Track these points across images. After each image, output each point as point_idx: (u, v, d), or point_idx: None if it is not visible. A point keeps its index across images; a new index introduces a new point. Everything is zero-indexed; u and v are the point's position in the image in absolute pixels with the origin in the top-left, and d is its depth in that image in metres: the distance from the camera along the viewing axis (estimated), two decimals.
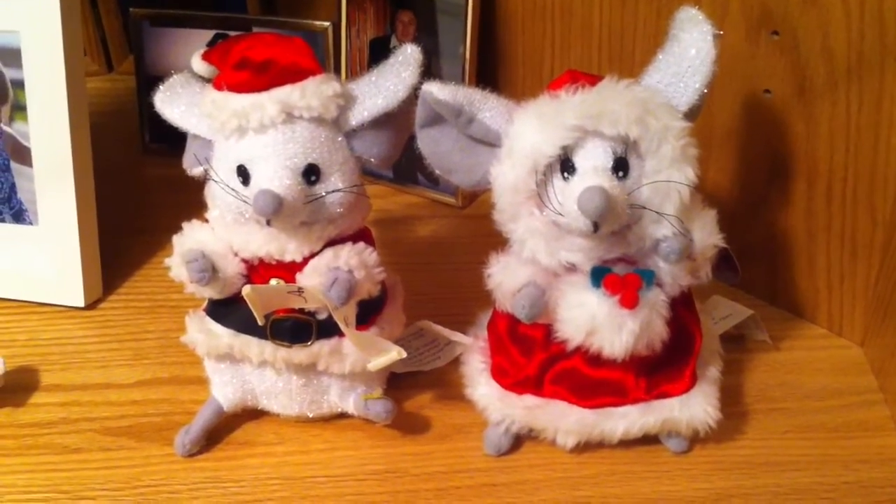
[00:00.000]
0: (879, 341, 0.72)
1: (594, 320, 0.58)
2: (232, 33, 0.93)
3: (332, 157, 0.60)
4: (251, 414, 0.68)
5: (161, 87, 0.64)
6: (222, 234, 0.63)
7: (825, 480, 0.64)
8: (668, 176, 0.57)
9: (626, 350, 0.58)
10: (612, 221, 0.56)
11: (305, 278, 0.61)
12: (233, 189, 0.60)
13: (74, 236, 0.77)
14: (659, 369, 0.63)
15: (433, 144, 0.62)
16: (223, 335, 0.64)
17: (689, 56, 0.59)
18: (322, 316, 0.62)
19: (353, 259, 0.61)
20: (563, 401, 0.64)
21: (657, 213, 0.57)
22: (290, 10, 1.09)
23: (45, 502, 0.62)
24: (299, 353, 0.62)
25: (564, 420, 0.63)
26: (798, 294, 0.78)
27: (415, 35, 0.90)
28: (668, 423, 0.63)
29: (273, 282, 0.62)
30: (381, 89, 0.61)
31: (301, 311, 0.62)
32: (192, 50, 0.64)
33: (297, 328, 0.62)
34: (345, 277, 0.60)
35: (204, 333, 0.64)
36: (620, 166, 0.57)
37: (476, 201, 0.93)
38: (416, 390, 0.70)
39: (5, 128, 0.78)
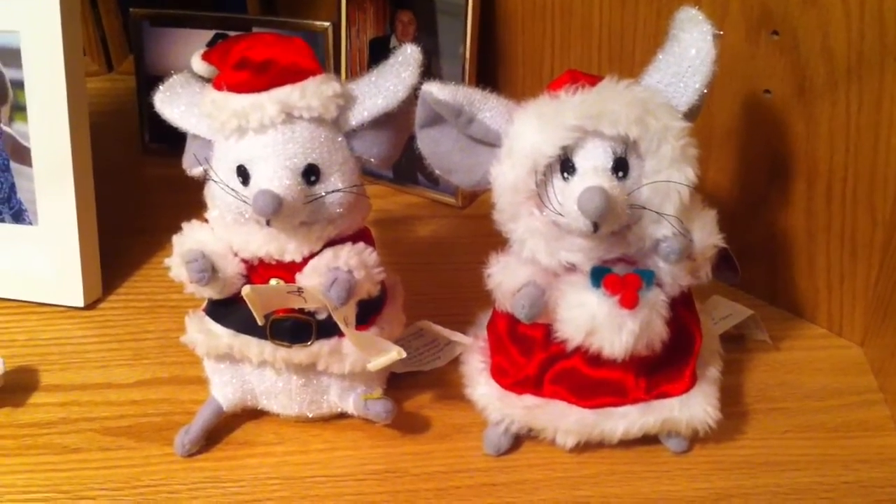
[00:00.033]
0: (879, 341, 0.72)
1: (594, 320, 0.58)
2: (232, 33, 0.93)
3: (331, 157, 0.60)
4: (251, 414, 0.68)
5: (161, 87, 0.64)
6: (222, 234, 0.63)
7: (825, 480, 0.64)
8: (667, 176, 0.57)
9: (625, 350, 0.58)
10: (612, 221, 0.56)
11: (305, 278, 0.61)
12: (232, 189, 0.60)
13: (74, 236, 0.77)
14: (659, 369, 0.63)
15: (433, 144, 0.62)
16: (223, 335, 0.64)
17: (689, 56, 0.59)
18: (322, 316, 0.62)
19: (352, 259, 0.61)
20: (562, 401, 0.64)
21: (657, 213, 0.57)
22: (290, 10, 1.09)
23: (45, 502, 0.62)
24: (299, 353, 0.62)
25: (564, 420, 0.63)
26: (798, 294, 0.78)
27: (415, 35, 0.90)
28: (668, 423, 0.63)
29: (273, 282, 0.62)
30: (381, 89, 0.61)
31: (301, 311, 0.62)
32: (192, 50, 0.64)
33: (296, 328, 0.62)
34: (344, 277, 0.60)
35: (204, 333, 0.64)
36: (620, 166, 0.57)
37: (476, 201, 0.93)
38: (416, 390, 0.70)
39: (5, 128, 0.78)
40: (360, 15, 0.93)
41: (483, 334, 0.69)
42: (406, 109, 0.62)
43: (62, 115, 0.74)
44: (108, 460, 0.65)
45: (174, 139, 0.65)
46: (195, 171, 0.63)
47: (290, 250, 0.61)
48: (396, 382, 0.69)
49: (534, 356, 0.64)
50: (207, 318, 0.65)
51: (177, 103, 0.63)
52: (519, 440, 0.66)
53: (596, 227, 0.56)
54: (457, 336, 0.71)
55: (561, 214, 0.57)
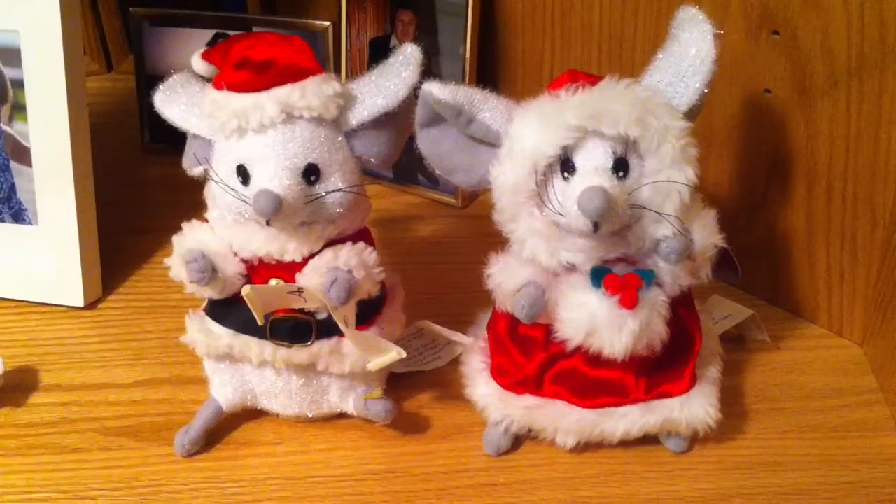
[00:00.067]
0: (879, 341, 0.72)
1: (594, 320, 0.58)
2: (232, 33, 0.93)
3: (332, 156, 0.60)
4: (251, 414, 0.68)
5: (161, 86, 0.64)
6: (222, 234, 0.62)
7: (825, 480, 0.64)
8: (668, 176, 0.57)
9: (626, 350, 0.58)
10: (613, 221, 0.56)
11: (305, 278, 0.61)
12: (233, 189, 0.60)
13: (74, 236, 0.77)
14: (659, 369, 0.63)
15: (433, 144, 0.62)
16: (223, 335, 0.64)
17: (689, 56, 0.59)
18: (322, 316, 0.62)
19: (352, 259, 0.61)
20: (563, 401, 0.64)
21: (657, 213, 0.57)
22: (290, 10, 1.09)
23: (45, 502, 0.62)
24: (299, 354, 0.62)
25: (564, 420, 0.63)
26: (798, 294, 0.78)
27: (415, 35, 0.90)
28: (668, 423, 0.63)
29: (273, 282, 0.62)
30: (381, 89, 0.61)
31: (301, 311, 0.62)
32: (192, 50, 0.64)
33: (296, 328, 0.62)
34: (344, 277, 0.60)
35: (204, 333, 0.64)
36: (620, 166, 0.57)
37: (476, 201, 0.93)
38: (416, 390, 0.70)
39: (5, 128, 0.78)
40: (361, 14, 0.93)
41: (483, 334, 0.69)
42: (406, 109, 0.62)
43: (62, 115, 0.74)
44: (108, 460, 0.65)
45: (174, 139, 0.65)
46: (195, 170, 0.63)
47: (291, 250, 0.61)
48: (396, 382, 0.69)
49: (534, 356, 0.64)
50: (207, 318, 0.65)
51: (177, 103, 0.63)
52: (519, 440, 0.66)
53: (596, 226, 0.56)
54: (457, 336, 0.71)
55: (561, 214, 0.57)
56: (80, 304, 0.78)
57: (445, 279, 0.82)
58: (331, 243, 0.62)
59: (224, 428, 0.67)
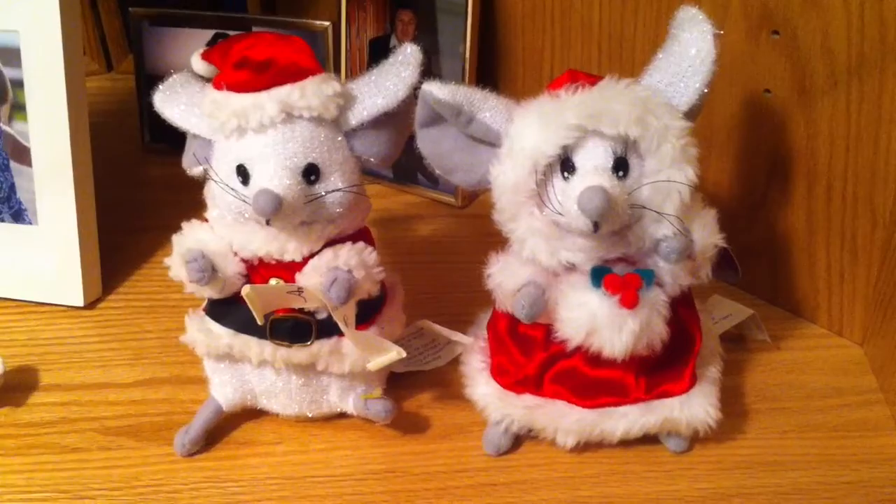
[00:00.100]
0: (879, 341, 0.72)
1: (594, 320, 0.58)
2: (232, 33, 0.93)
3: (331, 156, 0.60)
4: (251, 414, 0.68)
5: (161, 86, 0.64)
6: (222, 233, 0.62)
7: (825, 480, 0.64)
8: (668, 175, 0.57)
9: (626, 350, 0.58)
10: (613, 221, 0.56)
11: (305, 278, 0.61)
12: (232, 189, 0.60)
13: (74, 236, 0.77)
14: (659, 369, 0.63)
15: (433, 144, 0.62)
16: (223, 335, 0.64)
17: (689, 55, 0.59)
18: (322, 316, 0.62)
19: (352, 259, 0.61)
20: (563, 400, 0.64)
21: (657, 212, 0.57)
22: (290, 10, 1.09)
23: (45, 502, 0.62)
24: (299, 353, 0.62)
25: (564, 420, 0.63)
26: (798, 294, 0.78)
27: (415, 34, 0.90)
28: (669, 423, 0.63)
29: (273, 282, 0.62)
30: (380, 89, 0.61)
31: (301, 310, 0.62)
32: (191, 50, 0.64)
33: (296, 328, 0.62)
34: (344, 277, 0.60)
35: (203, 333, 0.64)
36: (620, 166, 0.57)
37: (476, 201, 0.93)
38: (416, 390, 0.70)
39: (5, 127, 0.78)
40: (360, 14, 0.93)
41: (483, 334, 0.69)
42: (406, 109, 0.62)
43: (62, 115, 0.74)
44: (108, 460, 0.65)
45: (174, 139, 0.65)
46: (195, 170, 0.63)
47: (290, 250, 0.61)
48: (396, 382, 0.69)
49: (534, 356, 0.64)
50: (207, 318, 0.65)
51: (177, 103, 0.63)
52: (519, 440, 0.66)
53: (596, 226, 0.56)
54: (457, 336, 0.71)
55: (561, 214, 0.57)
56: (80, 303, 0.78)
57: (445, 279, 0.82)
58: (331, 243, 0.62)
59: (224, 428, 0.67)
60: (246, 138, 0.59)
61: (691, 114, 0.59)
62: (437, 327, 0.71)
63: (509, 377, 0.65)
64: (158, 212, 0.90)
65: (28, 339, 0.76)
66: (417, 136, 0.62)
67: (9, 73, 0.76)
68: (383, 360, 0.61)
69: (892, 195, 0.68)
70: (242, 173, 0.60)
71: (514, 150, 0.58)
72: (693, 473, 0.64)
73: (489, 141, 0.60)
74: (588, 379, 0.63)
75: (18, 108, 0.76)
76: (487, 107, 0.59)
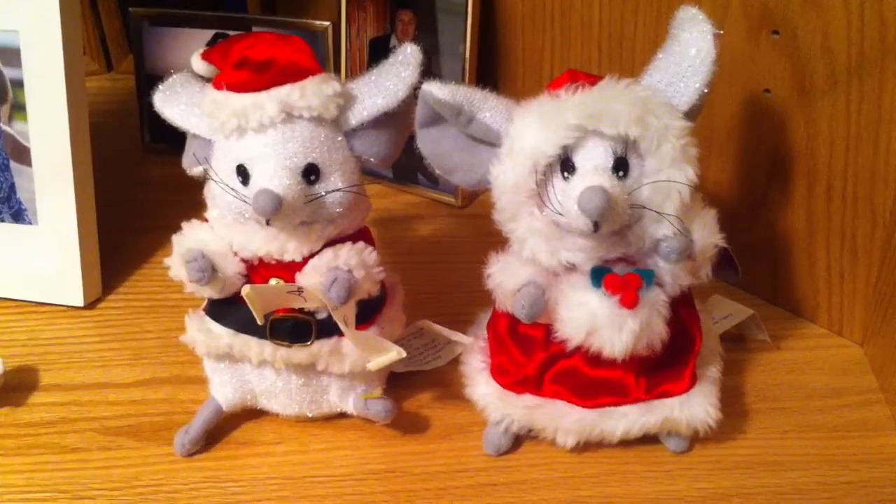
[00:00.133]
0: (879, 341, 0.72)
1: (594, 320, 0.58)
2: (232, 33, 0.93)
3: (331, 156, 0.60)
4: (251, 414, 0.68)
5: (161, 86, 0.64)
6: (222, 233, 0.62)
7: (825, 480, 0.64)
8: (668, 175, 0.57)
9: (626, 350, 0.58)
10: (613, 221, 0.56)
11: (305, 278, 0.61)
12: (232, 189, 0.60)
13: (74, 236, 0.77)
14: (659, 369, 0.63)
15: (433, 144, 0.62)
16: (223, 335, 0.64)
17: (689, 55, 0.59)
18: (322, 316, 0.62)
19: (352, 259, 0.61)
20: (563, 400, 0.64)
21: (657, 212, 0.57)
22: (290, 10, 1.09)
23: (45, 502, 0.62)
24: (299, 353, 0.62)
25: (564, 419, 0.63)
26: (798, 294, 0.78)
27: (415, 34, 0.90)
28: (668, 423, 0.63)
29: (273, 281, 0.62)
30: (380, 89, 0.61)
31: (301, 310, 0.62)
32: (191, 50, 0.64)
33: (296, 328, 0.62)
34: (344, 277, 0.60)
35: (203, 333, 0.64)
36: (620, 166, 0.57)
37: (476, 201, 0.93)
38: (416, 390, 0.70)
39: (5, 127, 0.78)
40: (360, 14, 0.93)
41: (483, 334, 0.69)
42: (406, 109, 0.62)
43: (62, 115, 0.74)
44: (108, 460, 0.65)
45: (174, 139, 0.65)
46: (195, 170, 0.63)
47: (290, 250, 0.61)
48: (396, 382, 0.69)
49: (534, 356, 0.64)
50: (207, 318, 0.65)
51: (176, 103, 0.63)
52: (519, 440, 0.66)
53: (596, 226, 0.56)
54: (457, 336, 0.71)
55: (561, 214, 0.57)
56: (80, 303, 0.78)
57: (445, 279, 0.82)
58: (331, 243, 0.62)
59: (224, 428, 0.67)
60: (246, 138, 0.59)
61: (691, 114, 0.59)
62: (437, 327, 0.71)
63: (509, 377, 0.65)
64: (158, 212, 0.90)
65: (28, 339, 0.76)
66: (417, 136, 0.62)
67: (9, 73, 0.76)
68: (383, 360, 0.61)
69: (892, 195, 0.68)
70: (242, 173, 0.60)
71: (514, 150, 0.58)
72: (693, 473, 0.64)
73: (489, 141, 0.60)
74: (588, 379, 0.63)
75: (18, 108, 0.76)
76: (487, 107, 0.60)
